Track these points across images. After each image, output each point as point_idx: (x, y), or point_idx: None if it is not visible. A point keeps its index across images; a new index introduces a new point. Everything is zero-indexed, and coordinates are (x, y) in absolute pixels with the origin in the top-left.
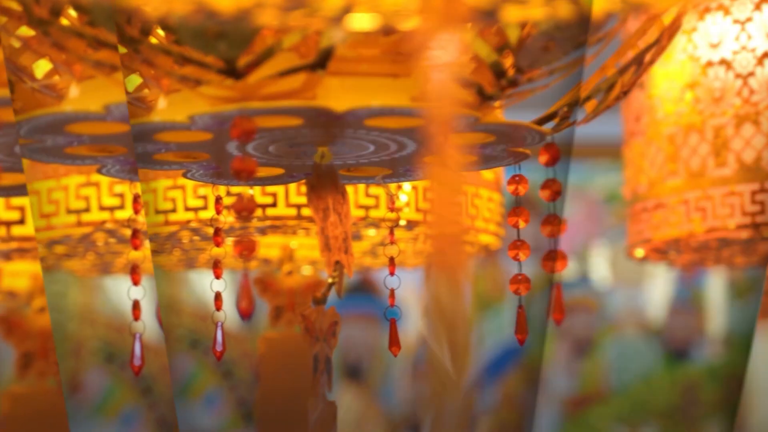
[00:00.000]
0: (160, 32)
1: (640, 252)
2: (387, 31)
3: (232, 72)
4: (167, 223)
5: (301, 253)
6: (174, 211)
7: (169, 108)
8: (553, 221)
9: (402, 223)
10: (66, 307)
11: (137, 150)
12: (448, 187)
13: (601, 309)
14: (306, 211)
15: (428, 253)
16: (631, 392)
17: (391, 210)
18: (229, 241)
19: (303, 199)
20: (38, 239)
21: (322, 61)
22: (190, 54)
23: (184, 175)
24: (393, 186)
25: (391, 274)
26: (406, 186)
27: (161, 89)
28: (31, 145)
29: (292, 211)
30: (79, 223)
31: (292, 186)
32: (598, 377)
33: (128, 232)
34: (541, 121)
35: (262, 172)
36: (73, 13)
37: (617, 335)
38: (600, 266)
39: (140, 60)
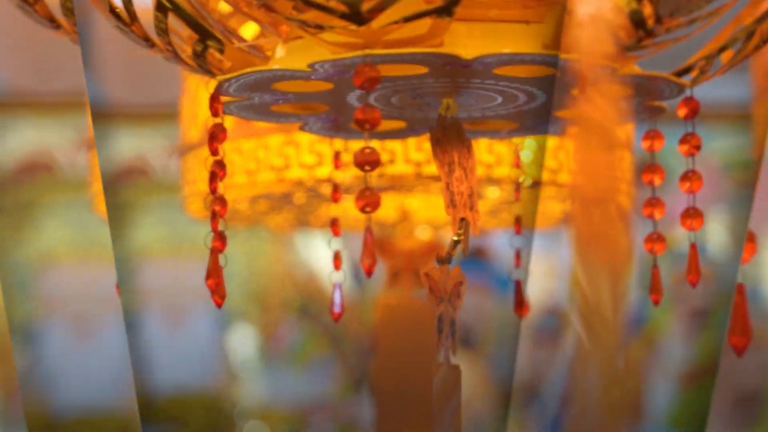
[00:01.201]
0: None
1: None
2: None
3: (356, 17)
4: (281, 180)
5: (418, 213)
6: (288, 168)
7: (288, 56)
8: (693, 177)
9: (527, 181)
10: (263, 262)
11: (254, 101)
12: (592, 144)
13: (719, 279)
14: (426, 169)
15: (571, 216)
16: None
17: (517, 167)
18: (349, 198)
19: (422, 156)
20: (241, 196)
21: (449, 6)
22: None
23: (302, 128)
24: (519, 141)
25: (517, 232)
26: (532, 142)
27: (280, 36)
28: (239, 103)
29: (411, 169)
30: (280, 180)
31: (411, 142)
32: (715, 349)
33: (325, 190)
34: (678, 75)
35: (383, 125)
36: None
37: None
38: (718, 234)
39: (258, 5)
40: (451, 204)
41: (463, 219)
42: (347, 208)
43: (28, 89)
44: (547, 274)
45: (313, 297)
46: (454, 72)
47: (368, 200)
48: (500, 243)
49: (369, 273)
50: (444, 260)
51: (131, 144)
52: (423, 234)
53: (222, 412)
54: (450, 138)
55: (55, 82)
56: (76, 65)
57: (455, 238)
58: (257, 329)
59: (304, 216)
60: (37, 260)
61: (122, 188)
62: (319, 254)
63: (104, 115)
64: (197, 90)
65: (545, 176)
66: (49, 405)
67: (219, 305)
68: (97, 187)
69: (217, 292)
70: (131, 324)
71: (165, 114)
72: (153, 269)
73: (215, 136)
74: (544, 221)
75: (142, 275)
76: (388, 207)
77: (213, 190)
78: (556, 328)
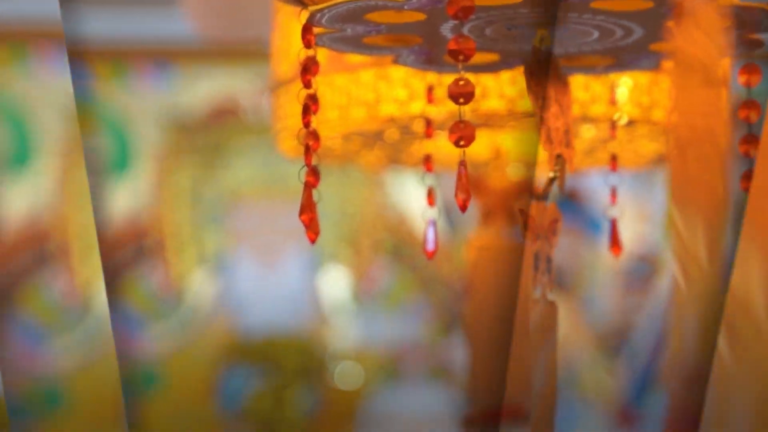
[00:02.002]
0: None
1: None
2: None
3: None
4: (373, 116)
5: (511, 151)
6: (380, 103)
7: None
8: (751, 106)
9: (622, 119)
10: (355, 204)
11: (346, 32)
12: (689, 80)
13: None
14: (519, 105)
15: (666, 156)
16: None
17: (613, 104)
18: (442, 135)
19: (516, 92)
20: (334, 132)
21: None
22: None
23: (395, 61)
24: (615, 78)
25: (613, 170)
26: (627, 80)
27: None
28: (331, 35)
29: (504, 105)
30: (372, 117)
31: (504, 77)
32: None
33: (418, 126)
34: None
35: (477, 58)
36: None
37: None
38: None
39: None
40: (548, 140)
41: (559, 156)
42: (440, 145)
43: (218, 39)
44: (638, 218)
45: (405, 239)
46: (549, 2)
47: (462, 133)
48: (595, 184)
49: (463, 208)
50: (540, 197)
51: (222, 84)
52: (516, 173)
53: (314, 354)
54: (545, 71)
55: (242, 32)
56: (262, 16)
57: (551, 175)
58: (349, 271)
59: (396, 154)
60: (226, 196)
61: (213, 129)
62: (410, 195)
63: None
64: (289, 25)
65: (638, 113)
66: (238, 327)
67: (312, 241)
68: (281, 125)
69: (311, 227)
70: (224, 266)
71: (256, 52)
72: (245, 210)
73: (308, 68)
74: (636, 161)
75: (234, 216)
76: (481, 145)
77: (306, 124)
78: (647, 274)
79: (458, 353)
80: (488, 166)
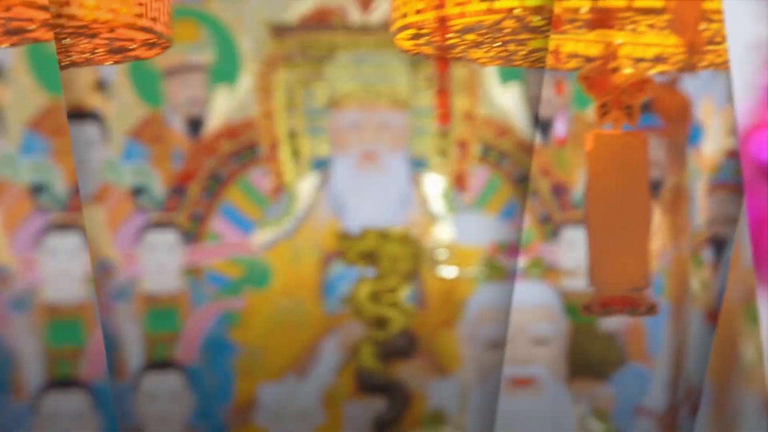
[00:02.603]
0: None
1: None
2: None
3: None
4: (490, 11)
5: (626, 49)
6: None
7: None
8: None
9: None
10: (455, 107)
11: None
12: None
13: None
14: (637, 2)
15: None
16: None
17: None
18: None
19: None
20: (452, 25)
21: None
22: None
23: None
24: None
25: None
26: None
27: None
28: None
29: (622, 2)
30: (490, 11)
31: None
32: None
33: (535, 22)
34: None
35: None
36: None
37: None
38: None
39: None
40: (678, 28)
41: (689, 43)
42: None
43: None
44: (730, 127)
45: (504, 144)
46: None
47: (600, 16)
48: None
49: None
50: (671, 84)
51: None
52: (630, 70)
53: (419, 252)
54: None
55: None
56: None
57: (681, 62)
58: (448, 174)
59: (509, 50)
60: (327, 103)
61: (316, 36)
62: (510, 102)
63: None
64: None
65: None
66: (342, 227)
67: (444, 123)
68: (400, 23)
69: (444, 110)
70: (328, 168)
71: None
72: (348, 115)
73: None
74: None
75: (337, 121)
76: (595, 42)
77: (440, 6)
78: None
79: (561, 253)
80: (604, 63)
